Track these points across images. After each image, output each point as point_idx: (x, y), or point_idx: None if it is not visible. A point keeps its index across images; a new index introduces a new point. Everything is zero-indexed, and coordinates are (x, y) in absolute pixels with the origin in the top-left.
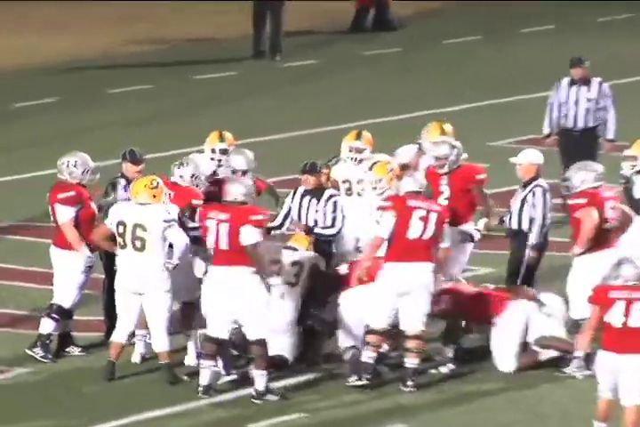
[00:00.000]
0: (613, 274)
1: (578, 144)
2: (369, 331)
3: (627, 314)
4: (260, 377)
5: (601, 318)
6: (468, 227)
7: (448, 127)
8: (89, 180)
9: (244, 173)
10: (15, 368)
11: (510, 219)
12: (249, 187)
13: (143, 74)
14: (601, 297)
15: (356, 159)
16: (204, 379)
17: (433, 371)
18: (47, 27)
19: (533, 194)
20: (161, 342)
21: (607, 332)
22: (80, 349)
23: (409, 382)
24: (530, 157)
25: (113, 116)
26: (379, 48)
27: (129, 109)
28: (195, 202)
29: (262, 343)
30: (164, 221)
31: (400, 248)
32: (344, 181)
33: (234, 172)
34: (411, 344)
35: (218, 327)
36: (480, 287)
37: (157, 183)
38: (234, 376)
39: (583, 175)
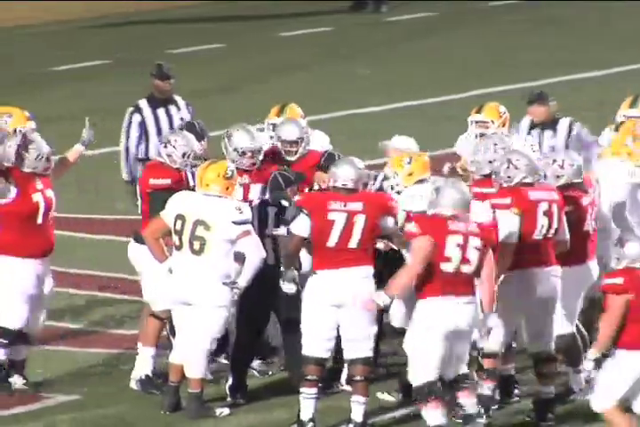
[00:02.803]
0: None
1: None
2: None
3: None
4: (359, 406)
5: (625, 310)
6: None
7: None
8: (43, 168)
9: (252, 153)
10: (58, 395)
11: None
12: (361, 170)
13: (213, 31)
14: (633, 283)
15: (477, 135)
16: (307, 413)
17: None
18: None
19: None
20: (196, 368)
21: (634, 327)
22: (25, 381)
23: (550, 416)
24: None
25: (176, 81)
26: None
27: (194, 74)
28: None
29: (369, 363)
30: (234, 222)
31: (525, 251)
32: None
33: (242, 154)
34: (546, 369)
35: (321, 344)
36: None
37: (232, 172)
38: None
39: None
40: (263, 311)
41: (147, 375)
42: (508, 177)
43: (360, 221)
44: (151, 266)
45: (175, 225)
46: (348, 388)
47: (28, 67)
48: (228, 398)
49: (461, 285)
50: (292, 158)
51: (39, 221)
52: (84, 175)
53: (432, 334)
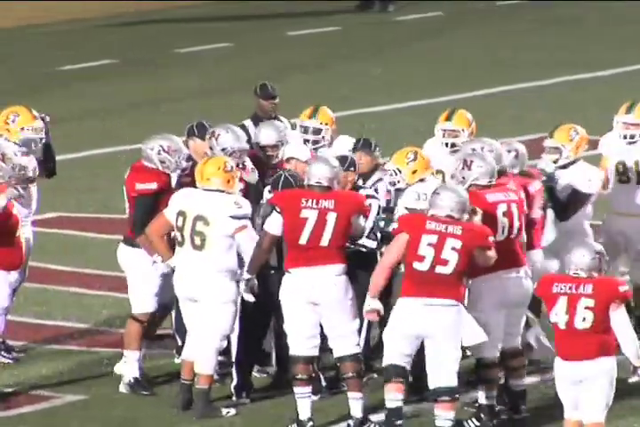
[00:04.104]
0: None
1: None
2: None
3: (570, 313)
4: (356, 402)
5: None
6: None
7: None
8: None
9: (239, 153)
10: (65, 395)
11: None
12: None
13: (220, 30)
14: (545, 290)
15: (448, 144)
16: (305, 412)
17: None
18: None
19: None
20: (206, 364)
21: (555, 333)
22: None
23: (523, 407)
24: None
25: (182, 81)
26: None
27: (201, 74)
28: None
29: (357, 359)
30: (232, 217)
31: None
32: (436, 172)
33: (230, 154)
34: (514, 362)
35: (307, 343)
36: None
37: (232, 167)
38: (246, 400)
39: None
40: (266, 312)
41: (135, 378)
42: (463, 178)
43: (331, 220)
44: (139, 269)
45: (177, 221)
46: None
47: (28, 67)
48: (234, 398)
49: (439, 286)
50: (273, 162)
51: (17, 233)
52: (88, 175)
53: (395, 334)
